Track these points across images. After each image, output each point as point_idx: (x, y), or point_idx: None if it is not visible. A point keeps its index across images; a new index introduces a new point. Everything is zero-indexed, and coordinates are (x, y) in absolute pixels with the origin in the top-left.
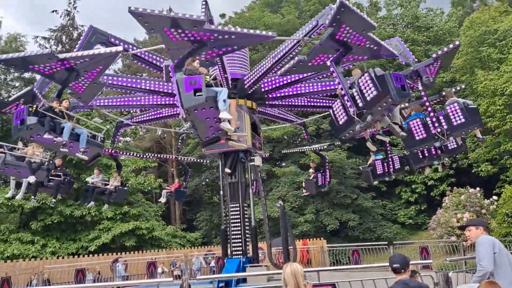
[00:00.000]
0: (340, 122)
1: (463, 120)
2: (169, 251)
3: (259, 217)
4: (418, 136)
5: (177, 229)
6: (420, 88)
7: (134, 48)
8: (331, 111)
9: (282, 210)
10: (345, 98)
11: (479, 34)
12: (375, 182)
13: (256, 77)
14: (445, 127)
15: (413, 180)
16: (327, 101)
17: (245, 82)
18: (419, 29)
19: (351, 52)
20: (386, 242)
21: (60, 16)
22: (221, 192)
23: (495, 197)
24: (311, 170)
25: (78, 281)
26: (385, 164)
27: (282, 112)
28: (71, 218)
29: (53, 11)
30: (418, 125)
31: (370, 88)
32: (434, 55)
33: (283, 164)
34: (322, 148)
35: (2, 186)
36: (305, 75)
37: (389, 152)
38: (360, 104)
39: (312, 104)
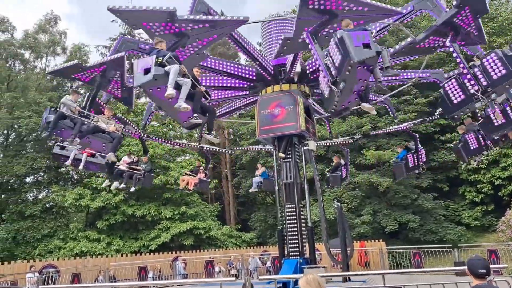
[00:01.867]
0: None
1: (504, 71)
2: (225, 250)
3: (314, 218)
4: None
5: (232, 229)
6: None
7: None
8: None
9: (340, 210)
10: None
11: None
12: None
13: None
14: (485, 83)
15: (478, 179)
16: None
17: (307, 67)
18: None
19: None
20: (450, 245)
21: (119, 25)
22: (276, 188)
23: None
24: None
25: (141, 278)
26: (415, 157)
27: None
28: (133, 218)
29: (112, 21)
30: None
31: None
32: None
33: None
34: (346, 142)
35: (70, 187)
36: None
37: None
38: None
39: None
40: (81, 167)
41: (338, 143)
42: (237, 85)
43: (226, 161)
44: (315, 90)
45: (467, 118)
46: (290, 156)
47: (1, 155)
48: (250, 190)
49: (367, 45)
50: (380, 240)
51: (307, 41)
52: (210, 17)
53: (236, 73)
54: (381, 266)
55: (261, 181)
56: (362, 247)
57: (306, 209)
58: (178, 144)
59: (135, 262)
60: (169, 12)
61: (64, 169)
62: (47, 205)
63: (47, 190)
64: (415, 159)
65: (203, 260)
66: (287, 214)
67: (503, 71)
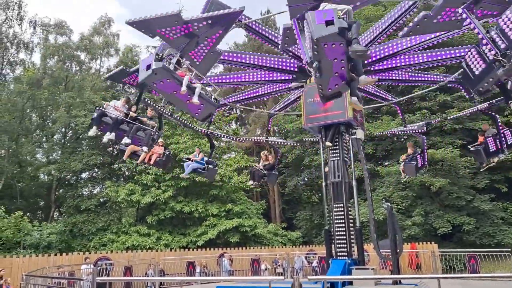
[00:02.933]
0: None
1: None
2: (271, 248)
3: (362, 219)
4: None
5: (278, 227)
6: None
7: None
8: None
9: (390, 210)
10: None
11: None
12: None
13: (366, 43)
14: (503, 46)
15: None
16: (431, 76)
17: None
18: None
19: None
20: (509, 249)
21: None
22: (324, 183)
23: None
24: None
25: (189, 273)
26: (497, 140)
27: (378, 91)
28: (181, 214)
29: None
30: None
31: None
32: None
33: (387, 163)
34: (420, 130)
35: (122, 183)
36: (415, 42)
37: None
38: (502, 46)
39: (418, 78)
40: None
41: (412, 132)
42: (280, 77)
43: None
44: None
45: (484, 124)
46: (337, 145)
47: (60, 152)
48: (181, 175)
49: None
50: (432, 243)
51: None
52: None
53: (277, 66)
54: (433, 269)
55: (199, 168)
56: (413, 249)
57: (355, 208)
58: (243, 139)
59: (184, 257)
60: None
61: (116, 166)
62: (101, 200)
63: (101, 186)
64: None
65: (249, 258)
66: (335, 213)
67: None
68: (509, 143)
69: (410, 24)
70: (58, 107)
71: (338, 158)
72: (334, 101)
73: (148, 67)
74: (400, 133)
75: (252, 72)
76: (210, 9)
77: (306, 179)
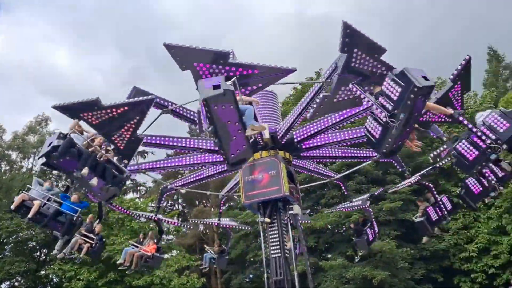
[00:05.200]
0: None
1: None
2: None
3: None
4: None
5: None
6: (351, 85)
7: (171, 104)
8: (365, 131)
9: None
10: (374, 107)
11: None
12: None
13: (287, 126)
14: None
15: (471, 268)
16: (362, 151)
17: (278, 133)
18: None
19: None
20: None
21: None
22: (266, 284)
23: None
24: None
25: None
26: (437, 208)
27: (319, 168)
28: None
29: None
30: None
31: (394, 88)
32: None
33: (329, 255)
34: (365, 204)
35: None
36: (335, 120)
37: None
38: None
39: (348, 155)
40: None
41: (358, 206)
42: (218, 159)
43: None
44: (295, 161)
45: (419, 200)
46: (275, 222)
47: None
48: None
49: (217, 86)
50: None
51: (354, 89)
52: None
53: (209, 147)
54: None
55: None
56: None
57: None
58: (191, 224)
59: None
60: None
61: (43, 272)
62: None
63: None
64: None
65: None
66: None
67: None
68: (448, 209)
69: (315, 106)
70: None
71: (279, 255)
72: (270, 178)
73: (215, 87)
74: (346, 209)
75: (192, 155)
76: (134, 96)
77: (251, 275)
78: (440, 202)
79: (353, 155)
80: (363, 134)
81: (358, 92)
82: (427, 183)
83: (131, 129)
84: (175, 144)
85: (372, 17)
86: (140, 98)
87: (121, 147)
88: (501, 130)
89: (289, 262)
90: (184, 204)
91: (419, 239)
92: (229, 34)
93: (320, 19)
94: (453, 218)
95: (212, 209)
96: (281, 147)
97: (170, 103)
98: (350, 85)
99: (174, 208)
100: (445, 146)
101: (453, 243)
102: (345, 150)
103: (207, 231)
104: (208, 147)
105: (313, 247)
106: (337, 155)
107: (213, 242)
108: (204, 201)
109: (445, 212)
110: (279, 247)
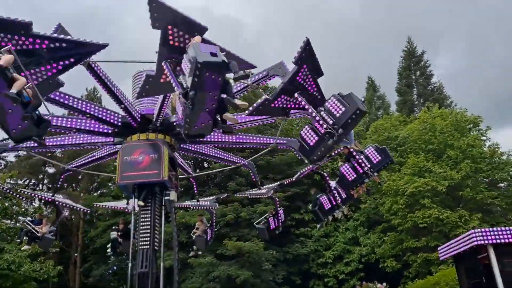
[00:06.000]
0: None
1: (343, 108)
2: None
3: None
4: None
5: None
6: (296, 95)
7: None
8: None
9: None
10: (316, 118)
11: (382, 138)
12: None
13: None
14: (331, 122)
15: (325, 273)
16: (234, 157)
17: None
18: None
19: (302, 97)
20: None
21: None
22: (129, 276)
23: None
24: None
25: None
26: (330, 197)
27: (218, 152)
28: None
29: None
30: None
31: (338, 106)
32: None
33: (200, 252)
34: (213, 206)
35: None
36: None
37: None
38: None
39: (222, 157)
40: None
41: (203, 207)
42: (101, 130)
43: (78, 244)
44: (181, 145)
45: (312, 189)
46: (149, 206)
47: None
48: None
49: (214, 54)
50: None
51: (299, 99)
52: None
53: (100, 116)
54: None
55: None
56: None
57: None
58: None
59: None
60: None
61: None
62: None
63: None
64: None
65: None
66: None
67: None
68: (343, 197)
69: (255, 104)
70: None
71: (148, 246)
72: (151, 161)
73: (213, 54)
74: (192, 207)
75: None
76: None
77: (115, 267)
78: (335, 191)
79: (226, 158)
80: (239, 140)
81: (303, 103)
82: (321, 172)
83: (54, 71)
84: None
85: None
86: (91, 41)
87: (34, 83)
88: (338, 115)
89: (156, 255)
90: (50, 186)
91: (286, 242)
92: (129, 18)
93: (226, 19)
94: (316, 226)
95: (82, 194)
96: (166, 130)
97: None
98: (296, 95)
99: (37, 189)
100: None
101: (314, 249)
102: (220, 152)
103: (73, 216)
104: (94, 113)
105: (184, 242)
106: (213, 154)
107: (77, 229)
108: (74, 185)
109: (339, 201)
110: (149, 237)
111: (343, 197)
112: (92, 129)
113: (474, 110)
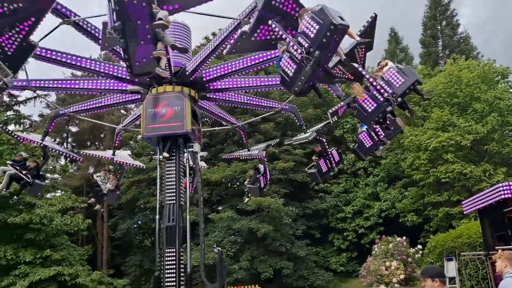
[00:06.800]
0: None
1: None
2: None
3: (193, 263)
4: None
5: (103, 275)
6: (270, 22)
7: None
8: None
9: (220, 256)
10: (291, 44)
11: None
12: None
13: (197, 63)
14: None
15: (345, 227)
16: (267, 101)
17: (187, 68)
18: None
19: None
20: None
21: None
22: (157, 229)
23: (419, 246)
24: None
25: None
26: (327, 160)
27: (223, 113)
28: None
29: None
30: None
31: (312, 25)
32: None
33: (220, 208)
34: (261, 154)
35: None
36: (249, 63)
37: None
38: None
39: (254, 102)
40: None
41: (253, 156)
42: (121, 87)
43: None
44: (201, 102)
45: (317, 146)
46: (174, 159)
47: None
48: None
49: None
50: (257, 286)
51: (274, 26)
52: None
53: (116, 74)
54: None
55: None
56: None
57: (187, 254)
58: (82, 157)
59: None
60: None
61: None
62: None
63: None
64: (328, 163)
65: None
66: (167, 259)
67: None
68: (336, 161)
69: (232, 42)
70: None
71: (174, 201)
72: (174, 113)
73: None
74: (242, 157)
75: (91, 79)
76: None
77: (139, 222)
78: (331, 155)
79: (258, 103)
80: (272, 82)
81: (277, 29)
82: (319, 137)
83: (23, 32)
84: (73, 62)
85: None
86: None
87: (9, 53)
88: (397, 85)
89: (182, 209)
90: (74, 144)
91: (305, 198)
92: None
93: None
94: (336, 182)
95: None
96: (188, 84)
97: (73, 14)
98: (270, 22)
99: (62, 147)
100: (342, 103)
101: (333, 204)
102: (251, 98)
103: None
104: (112, 73)
105: (205, 198)
106: (243, 101)
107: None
108: (97, 143)
109: (334, 164)
110: (174, 192)
111: (337, 160)
112: (116, 87)
113: (502, 61)
